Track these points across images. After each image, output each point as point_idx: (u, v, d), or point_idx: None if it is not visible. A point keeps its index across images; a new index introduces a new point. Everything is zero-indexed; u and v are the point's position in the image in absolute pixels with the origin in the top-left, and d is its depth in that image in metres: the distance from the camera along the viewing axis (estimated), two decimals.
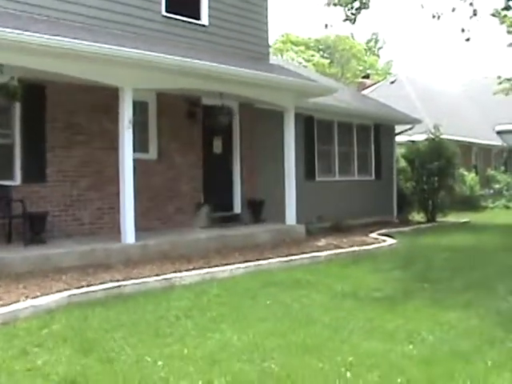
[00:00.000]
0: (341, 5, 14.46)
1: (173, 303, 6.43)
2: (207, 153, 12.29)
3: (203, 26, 11.64)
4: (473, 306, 6.25)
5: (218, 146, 12.58)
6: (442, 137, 17.57)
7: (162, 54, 9.45)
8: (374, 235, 12.91)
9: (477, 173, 25.54)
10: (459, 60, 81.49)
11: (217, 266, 8.55)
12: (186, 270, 8.19)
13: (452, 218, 18.20)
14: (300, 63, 34.50)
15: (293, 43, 40.02)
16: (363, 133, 16.54)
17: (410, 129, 17.90)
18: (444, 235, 13.66)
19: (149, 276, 7.73)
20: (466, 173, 23.69)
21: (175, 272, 8.05)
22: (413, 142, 17.26)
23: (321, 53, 41.76)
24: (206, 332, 5.28)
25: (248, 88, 11.06)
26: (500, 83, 20.31)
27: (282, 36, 41.09)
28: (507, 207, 24.28)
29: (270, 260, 9.11)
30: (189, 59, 9.68)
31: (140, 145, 11.27)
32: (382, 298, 6.71)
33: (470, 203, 22.95)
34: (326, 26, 15.46)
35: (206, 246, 10.15)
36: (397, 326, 5.46)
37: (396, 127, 18.09)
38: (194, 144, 11.98)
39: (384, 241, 12.07)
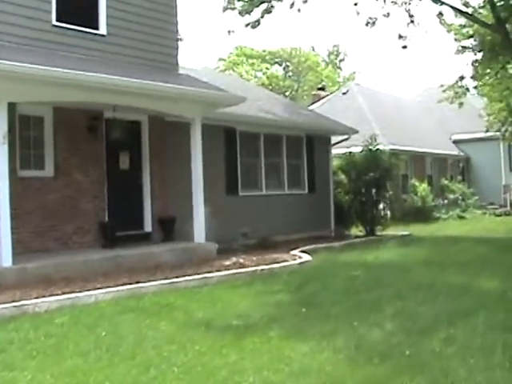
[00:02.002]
0: (240, 13, 13.96)
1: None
2: (112, 168, 11.62)
3: (101, 35, 11.01)
4: (336, 336, 5.60)
5: (124, 161, 11.93)
6: (382, 147, 17.09)
7: (36, 66, 8.79)
8: (295, 252, 12.28)
9: (431, 183, 25.13)
10: (419, 69, 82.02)
11: (88, 290, 7.89)
12: (54, 295, 7.54)
13: (394, 230, 17.66)
14: (256, 77, 34.15)
15: (247, 56, 39.57)
16: (294, 145, 15.96)
17: (346, 139, 17.37)
18: (372, 250, 13.04)
19: (4, 303, 7.05)
20: (417, 183, 23.30)
21: (37, 298, 7.38)
22: (350, 153, 16.69)
23: (276, 66, 41.42)
24: (7, 369, 4.64)
25: (148, 100, 10.45)
26: (444, 91, 19.92)
27: (237, 49, 40.67)
28: (461, 217, 23.83)
29: (152, 283, 8.45)
30: (68, 70, 9.06)
31: (35, 161, 10.67)
32: (238, 327, 6.05)
33: (422, 214, 22.50)
34: (229, 32, 15.00)
35: (96, 268, 9.46)
36: (225, 364, 4.82)
37: (333, 138, 17.55)
38: (97, 160, 11.31)
39: (300, 257, 11.46)
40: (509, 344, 5.14)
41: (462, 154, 28.93)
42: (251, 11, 13.73)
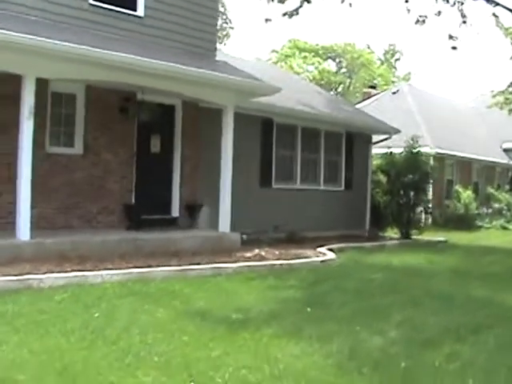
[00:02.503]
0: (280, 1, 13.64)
1: None
2: (142, 151, 11.59)
3: (138, 17, 10.95)
4: (332, 340, 5.34)
5: (155, 144, 11.88)
6: (428, 150, 16.57)
7: (64, 43, 8.78)
8: (321, 249, 12.00)
9: (476, 191, 24.36)
10: (476, 74, 79.68)
11: (99, 269, 7.88)
12: (63, 272, 7.56)
13: (431, 236, 17.16)
14: (307, 70, 33.73)
15: (300, 49, 39.06)
16: (333, 140, 15.62)
17: (387, 138, 16.91)
18: (401, 254, 12.66)
19: (13, 275, 7.07)
20: (461, 190, 22.62)
21: (45, 273, 7.38)
22: (390, 153, 16.25)
23: (329, 61, 40.80)
24: None
25: (178, 84, 10.33)
26: (494, 96, 19.19)
27: (290, 42, 40.22)
28: (504, 228, 23.02)
29: (163, 268, 8.36)
30: (96, 49, 9.01)
31: (65, 139, 10.73)
32: (235, 321, 5.87)
33: (464, 222, 21.84)
34: (267, 20, 14.67)
35: (114, 249, 9.44)
36: (206, 357, 4.66)
37: (376, 137, 17.13)
38: (127, 141, 11.30)
39: (324, 255, 11.21)
40: None
41: (511, 162, 27.92)
42: None
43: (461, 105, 31.01)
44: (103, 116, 10.95)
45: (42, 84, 9.78)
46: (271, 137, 13.89)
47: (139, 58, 9.71)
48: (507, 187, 26.82)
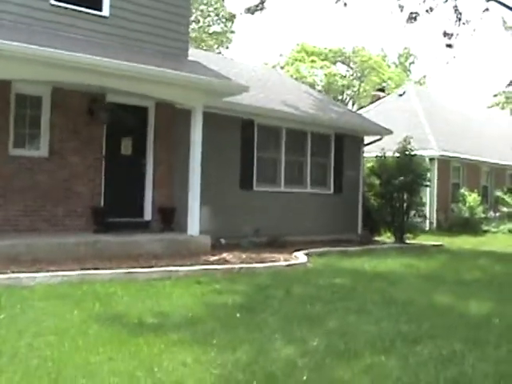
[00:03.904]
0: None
1: None
2: (112, 153, 11.42)
3: (103, 17, 10.79)
4: (239, 349, 4.98)
5: (126, 146, 11.70)
6: (432, 153, 16.09)
7: (19, 44, 8.66)
8: (296, 254, 11.65)
9: (485, 194, 23.74)
10: (492, 78, 78.13)
11: (42, 271, 7.70)
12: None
13: (428, 240, 16.69)
14: (315, 74, 33.37)
15: (307, 53, 38.64)
16: (321, 142, 15.26)
17: (379, 139, 16.48)
18: (384, 259, 12.18)
19: None
20: (466, 193, 22.03)
21: None
22: (383, 155, 15.82)
23: (338, 64, 40.36)
24: None
25: (145, 85, 10.14)
26: (495, 96, 18.63)
27: (298, 45, 39.84)
28: None
29: (108, 271, 8.14)
30: (55, 50, 8.89)
31: (30, 141, 10.60)
32: (149, 326, 5.60)
33: (469, 226, 21.25)
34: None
35: (70, 252, 9.27)
36: (84, 363, 4.41)
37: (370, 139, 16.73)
38: (95, 143, 11.13)
39: (296, 259, 10.89)
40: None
41: None
42: None
43: (474, 108, 30.27)
44: (70, 118, 10.80)
45: (3, 85, 9.70)
46: (252, 138, 13.60)
47: (99, 58, 9.53)
48: None
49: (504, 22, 16.74)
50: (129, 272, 8.21)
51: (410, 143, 15.69)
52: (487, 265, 12.13)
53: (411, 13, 15.17)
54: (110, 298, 6.74)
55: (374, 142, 16.39)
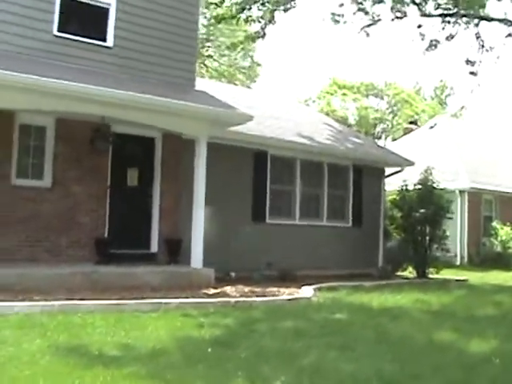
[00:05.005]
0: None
1: None
2: (117, 184, 11.35)
3: (107, 47, 10.85)
4: None
5: (132, 177, 11.63)
6: (462, 186, 15.58)
7: (20, 74, 8.76)
8: (305, 288, 11.25)
9: None
10: None
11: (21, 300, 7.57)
12: None
13: (454, 275, 16.05)
14: (347, 108, 33.18)
15: (339, 86, 38.50)
16: (338, 173, 14.92)
17: (399, 171, 16.04)
18: (398, 294, 11.56)
19: None
20: (498, 226, 21.24)
21: None
22: (404, 187, 15.38)
23: (370, 98, 40.13)
24: None
25: (149, 115, 10.10)
26: None
27: (329, 79, 39.84)
28: None
29: (95, 302, 7.97)
30: (61, 80, 8.97)
31: (33, 171, 10.64)
32: (107, 358, 5.35)
33: (502, 260, 20.43)
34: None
35: (65, 282, 9.15)
36: None
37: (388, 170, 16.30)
38: (99, 174, 11.10)
39: (301, 293, 10.53)
40: None
41: None
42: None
43: (505, 137, 29.44)
44: (74, 148, 10.81)
45: (7, 116, 9.79)
46: (265, 169, 13.38)
47: (103, 88, 9.57)
48: None
49: None
50: (116, 303, 8.01)
51: (431, 174, 15.22)
52: (506, 301, 11.47)
53: (431, 40, 14.85)
54: (81, 329, 6.54)
55: (395, 173, 15.96)
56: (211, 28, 28.69)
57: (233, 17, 13.60)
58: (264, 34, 13.53)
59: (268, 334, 7.02)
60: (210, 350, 6.00)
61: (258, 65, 32.46)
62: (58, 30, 10.30)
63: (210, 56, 31.63)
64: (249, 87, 29.78)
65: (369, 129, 38.73)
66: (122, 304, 8.07)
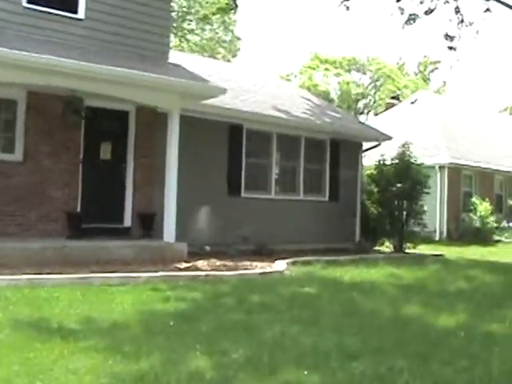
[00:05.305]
0: None
1: None
2: (91, 158, 11.25)
3: (79, 19, 10.65)
4: (147, 357, 4.68)
5: (105, 151, 11.52)
6: (441, 161, 15.62)
7: None
8: (278, 262, 11.27)
9: (499, 203, 23.02)
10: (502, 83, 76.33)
11: None
12: None
13: (431, 250, 16.17)
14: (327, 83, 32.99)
15: (321, 61, 38.27)
16: (315, 148, 14.88)
17: (376, 146, 16.03)
18: (371, 268, 11.60)
19: None
20: (477, 201, 21.37)
21: None
22: (382, 162, 15.37)
23: (353, 72, 39.96)
24: None
25: (120, 88, 9.96)
26: None
27: (311, 53, 39.62)
28: None
29: (62, 276, 7.96)
30: (25, 53, 8.77)
31: (4, 145, 10.49)
32: (66, 332, 5.33)
33: (480, 236, 20.60)
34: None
35: (35, 257, 9.10)
36: None
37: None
38: (71, 148, 10.97)
39: (273, 267, 10.55)
40: None
41: None
42: None
43: (487, 113, 29.53)
44: (46, 122, 10.67)
45: None
46: (240, 143, 13.31)
47: (73, 61, 9.41)
48: None
49: None
50: (84, 277, 7.98)
51: (409, 149, 15.22)
52: (479, 275, 11.58)
53: (410, 14, 14.73)
54: (46, 303, 6.51)
55: (373, 147, 15.96)
56: (191, 1, 28.33)
57: None
58: (236, 5, 13.34)
59: (234, 307, 7.03)
60: (172, 323, 6.00)
61: (239, 39, 32.26)
62: (28, 2, 10.08)
63: (191, 30, 31.31)
64: (229, 61, 29.55)
65: (351, 104, 38.65)
66: (89, 277, 8.05)
